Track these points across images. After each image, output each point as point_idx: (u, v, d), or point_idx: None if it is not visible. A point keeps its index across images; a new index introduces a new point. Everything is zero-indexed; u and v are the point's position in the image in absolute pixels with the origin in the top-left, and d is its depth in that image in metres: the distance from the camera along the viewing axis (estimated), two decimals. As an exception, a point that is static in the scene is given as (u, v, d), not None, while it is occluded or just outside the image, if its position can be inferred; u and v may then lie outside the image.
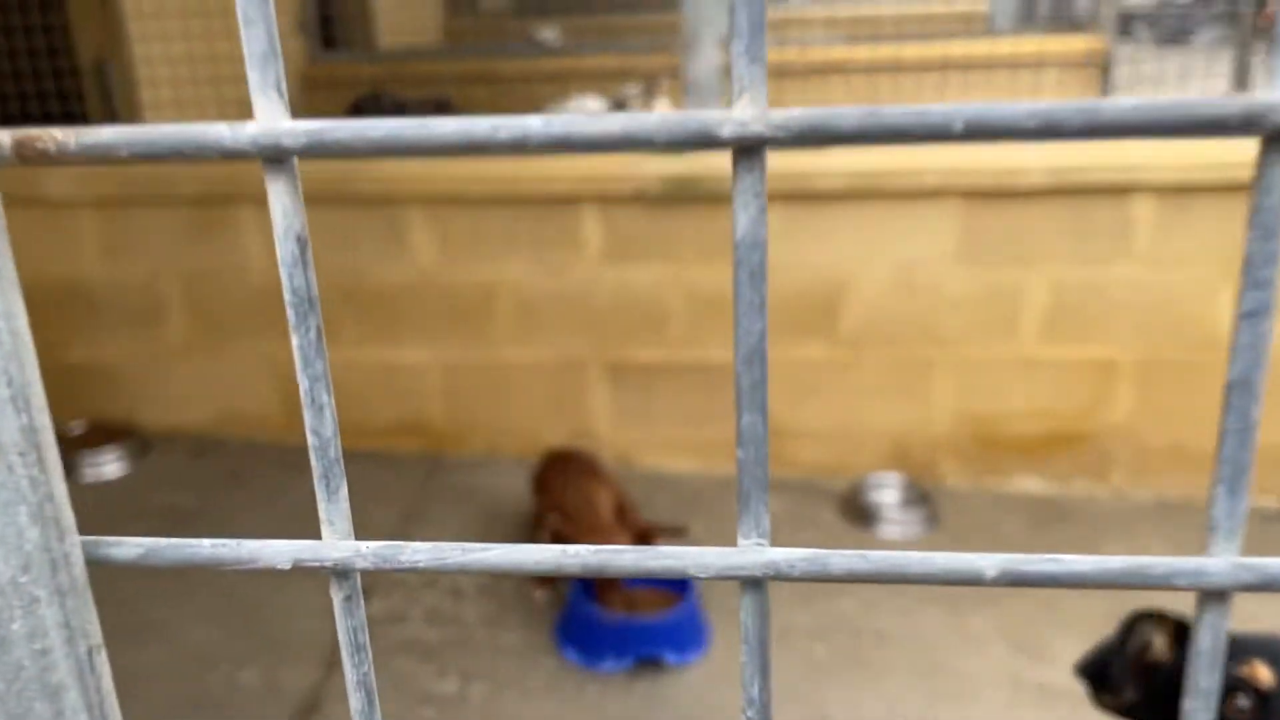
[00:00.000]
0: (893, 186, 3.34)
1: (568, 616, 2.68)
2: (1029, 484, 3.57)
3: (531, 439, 3.77)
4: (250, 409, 3.75)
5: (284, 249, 0.43)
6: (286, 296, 0.44)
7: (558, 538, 2.76)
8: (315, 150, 0.41)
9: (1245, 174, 2.80)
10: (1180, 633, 1.04)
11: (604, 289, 3.51)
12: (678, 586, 2.77)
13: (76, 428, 3.69)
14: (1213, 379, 3.43)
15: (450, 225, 3.54)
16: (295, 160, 0.42)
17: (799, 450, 3.67)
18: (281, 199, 0.43)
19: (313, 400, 0.46)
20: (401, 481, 3.59)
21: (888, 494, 3.49)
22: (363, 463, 3.70)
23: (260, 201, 3.56)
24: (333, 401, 0.47)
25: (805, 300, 3.47)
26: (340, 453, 0.48)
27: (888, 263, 3.41)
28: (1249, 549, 0.40)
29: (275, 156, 0.42)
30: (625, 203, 3.46)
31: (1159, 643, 1.03)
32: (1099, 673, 1.04)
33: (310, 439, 0.46)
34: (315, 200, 3.23)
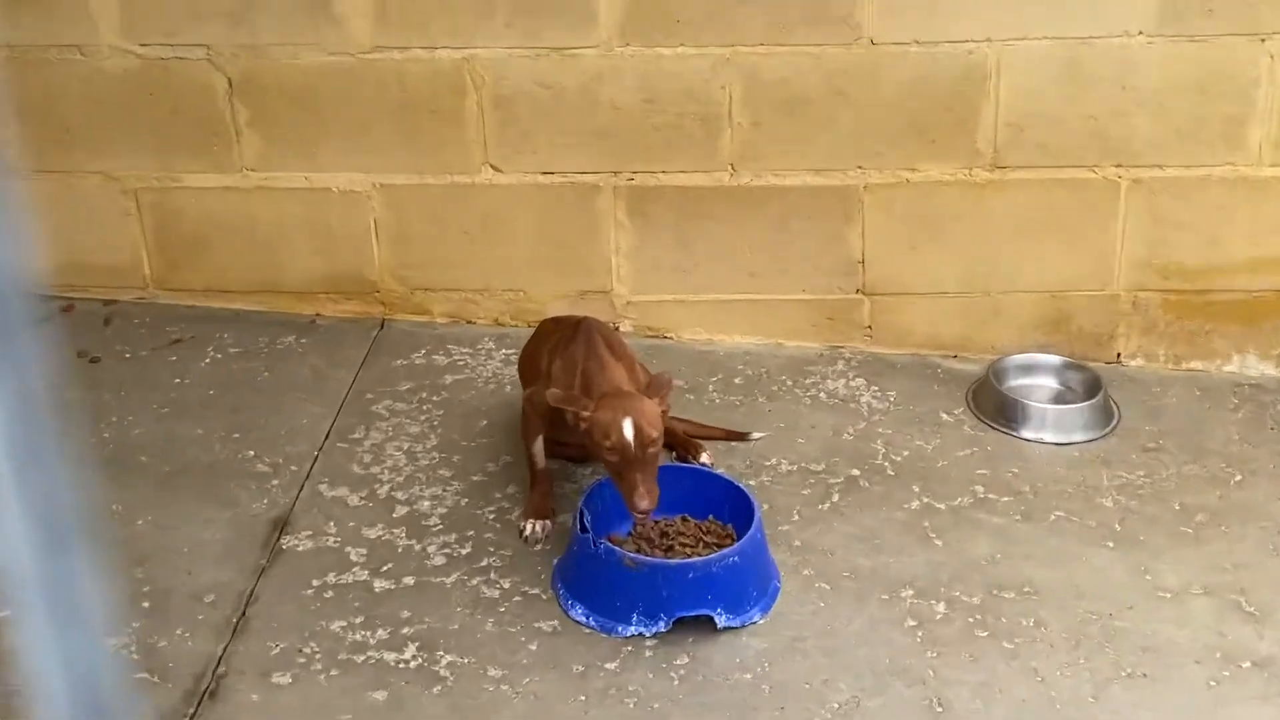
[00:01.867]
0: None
1: (575, 559, 2.63)
2: (1250, 366, 3.48)
3: (518, 302, 3.69)
4: (106, 258, 3.67)
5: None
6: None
7: (555, 419, 2.67)
8: None
9: None
10: None
11: (624, 81, 3.37)
12: (734, 515, 2.71)
13: None
14: None
15: (393, -18, 3.38)
16: None
17: (915, 316, 3.58)
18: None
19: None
20: (333, 366, 3.52)
21: (1040, 380, 3.42)
22: (277, 333, 3.64)
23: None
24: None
25: (929, 96, 3.31)
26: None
27: (1051, 39, 3.24)
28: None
29: None
30: (655, -55, 3.28)
31: None
32: None
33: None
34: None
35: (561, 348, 2.80)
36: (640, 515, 2.52)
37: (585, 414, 2.55)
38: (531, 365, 2.93)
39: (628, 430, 2.49)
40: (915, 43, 3.26)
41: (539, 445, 2.86)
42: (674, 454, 3.07)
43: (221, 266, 3.71)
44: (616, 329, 3.49)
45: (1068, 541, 2.82)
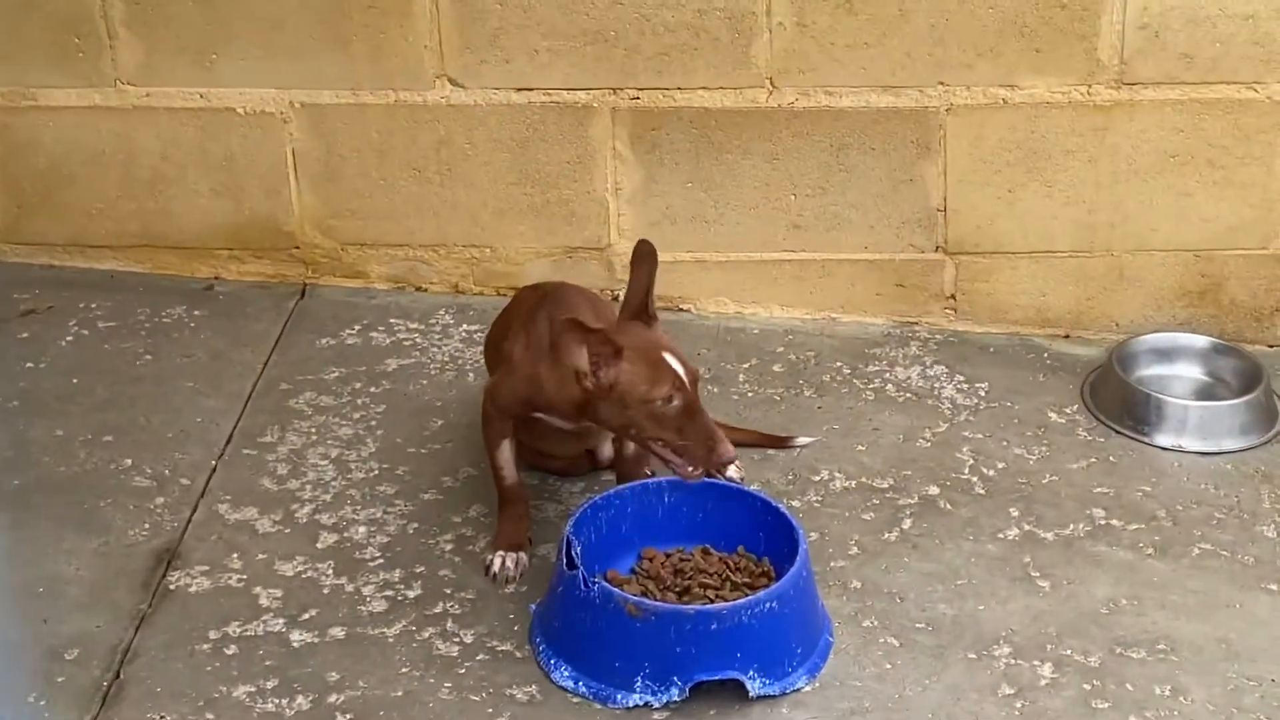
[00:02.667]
0: None
1: (560, 605, 2.62)
2: None
3: (483, 262, 3.70)
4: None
5: None
6: None
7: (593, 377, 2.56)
8: None
9: None
10: None
11: (625, -37, 3.37)
12: (771, 547, 2.71)
13: None
14: None
15: None
16: None
17: (1014, 283, 3.58)
18: None
19: None
20: (237, 347, 3.50)
21: (1180, 369, 3.42)
22: (162, 302, 3.62)
23: None
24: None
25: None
26: None
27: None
28: None
29: None
30: None
31: None
32: None
33: None
34: None
35: (527, 323, 2.77)
36: (722, 469, 2.57)
37: (615, 364, 2.50)
38: (498, 347, 2.92)
39: (678, 365, 2.51)
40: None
41: (505, 453, 2.84)
42: (692, 465, 3.07)
43: (89, 213, 3.69)
44: (616, 299, 3.48)
45: (1216, 583, 2.80)
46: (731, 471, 3.01)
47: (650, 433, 2.56)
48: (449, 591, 2.77)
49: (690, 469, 2.56)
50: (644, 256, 2.65)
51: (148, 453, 3.14)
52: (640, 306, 2.65)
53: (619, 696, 2.51)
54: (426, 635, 2.67)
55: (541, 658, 2.60)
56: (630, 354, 2.51)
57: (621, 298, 3.46)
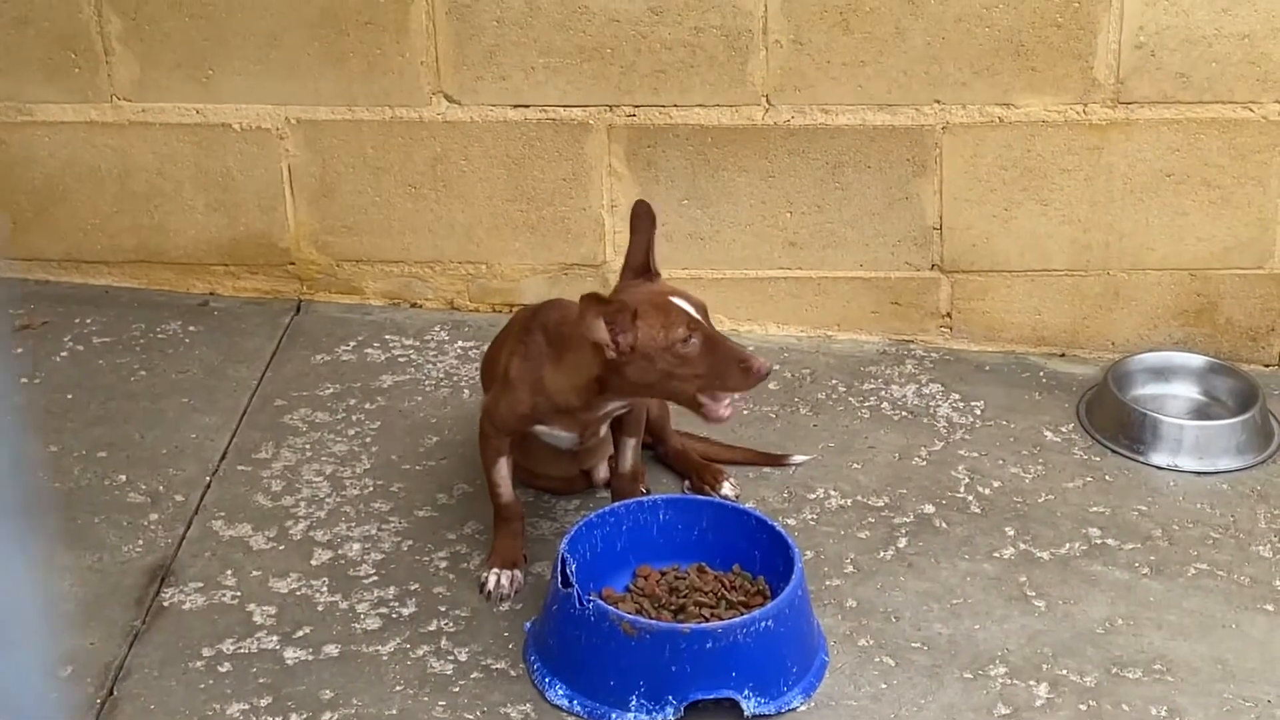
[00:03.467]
0: None
1: (555, 623, 2.62)
2: None
3: (479, 279, 3.69)
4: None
5: None
6: None
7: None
8: None
9: None
10: None
11: (622, -19, 3.37)
12: (767, 566, 2.71)
13: None
14: None
15: None
16: None
17: (1010, 302, 3.58)
18: None
19: None
20: (232, 363, 3.51)
21: (1176, 388, 3.42)
22: (157, 318, 3.62)
23: None
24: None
25: (1029, 5, 3.30)
26: None
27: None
28: None
29: None
30: None
31: None
32: None
33: None
34: None
35: (523, 336, 2.78)
36: (760, 380, 2.58)
37: (633, 326, 2.52)
38: (495, 366, 2.91)
39: (685, 304, 2.55)
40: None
41: (502, 470, 2.84)
42: (687, 484, 3.06)
43: (84, 228, 3.69)
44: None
45: (1212, 603, 2.80)
46: (727, 489, 3.01)
47: (682, 376, 2.56)
48: (443, 609, 2.77)
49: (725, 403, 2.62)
50: (643, 215, 2.71)
51: (142, 469, 3.14)
52: (643, 265, 2.70)
53: (614, 715, 2.51)
54: (421, 653, 2.66)
55: (536, 676, 2.60)
56: (642, 310, 2.54)
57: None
